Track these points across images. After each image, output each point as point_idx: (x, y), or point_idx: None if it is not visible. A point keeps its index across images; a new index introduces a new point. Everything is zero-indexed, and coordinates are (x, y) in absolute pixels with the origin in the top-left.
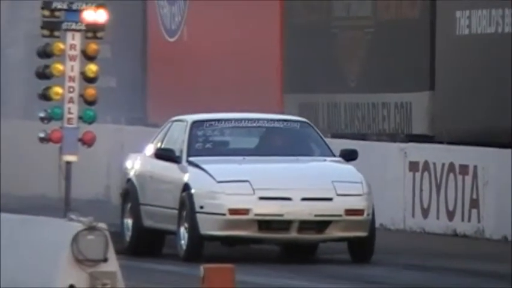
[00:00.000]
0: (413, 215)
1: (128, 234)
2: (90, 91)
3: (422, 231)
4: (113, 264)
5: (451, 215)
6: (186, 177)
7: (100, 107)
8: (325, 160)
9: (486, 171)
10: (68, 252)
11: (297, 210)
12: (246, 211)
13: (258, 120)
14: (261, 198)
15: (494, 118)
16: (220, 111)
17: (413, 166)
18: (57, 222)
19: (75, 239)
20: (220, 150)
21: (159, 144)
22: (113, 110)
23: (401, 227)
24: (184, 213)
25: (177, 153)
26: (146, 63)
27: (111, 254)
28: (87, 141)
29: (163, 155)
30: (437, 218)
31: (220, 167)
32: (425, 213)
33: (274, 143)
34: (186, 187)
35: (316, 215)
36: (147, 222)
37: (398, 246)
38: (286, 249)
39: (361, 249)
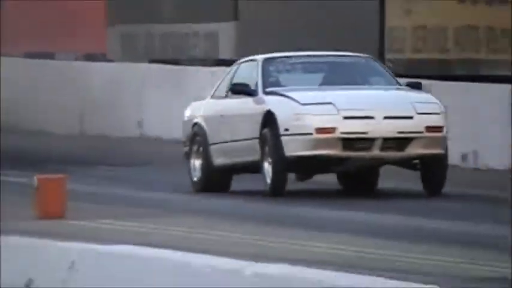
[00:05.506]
0: None
1: (196, 175)
2: None
3: None
4: None
5: None
6: (267, 106)
7: None
8: (398, 88)
9: None
10: None
11: (381, 128)
12: (332, 130)
13: (326, 56)
14: (346, 117)
15: (297, 42)
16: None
17: None
18: None
19: None
20: (295, 81)
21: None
22: None
23: None
24: (266, 142)
25: (253, 87)
26: None
27: None
28: None
29: (240, 89)
30: None
31: (301, 93)
32: None
33: (345, 75)
34: (268, 114)
35: (398, 132)
36: (218, 161)
37: None
38: (346, 186)
39: (436, 169)
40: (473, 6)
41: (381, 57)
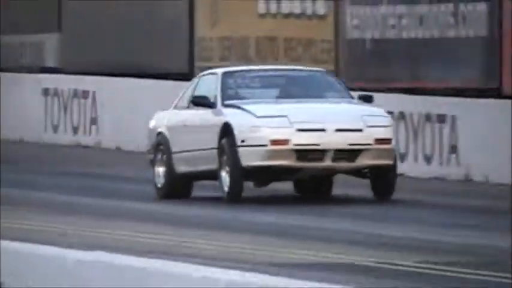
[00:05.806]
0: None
1: (160, 182)
2: None
3: None
4: None
5: None
6: (224, 118)
7: None
8: (350, 102)
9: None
10: None
11: (332, 140)
12: (286, 142)
13: (283, 69)
14: (299, 130)
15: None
16: None
17: (46, 92)
18: None
19: None
20: (253, 94)
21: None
22: None
23: None
24: (224, 152)
25: (212, 100)
26: None
27: None
28: None
29: (200, 101)
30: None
31: (257, 106)
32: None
33: (301, 88)
34: (226, 126)
35: (349, 144)
36: (180, 169)
37: None
38: (301, 192)
39: (385, 178)
40: (272, 19)
41: (190, 65)
